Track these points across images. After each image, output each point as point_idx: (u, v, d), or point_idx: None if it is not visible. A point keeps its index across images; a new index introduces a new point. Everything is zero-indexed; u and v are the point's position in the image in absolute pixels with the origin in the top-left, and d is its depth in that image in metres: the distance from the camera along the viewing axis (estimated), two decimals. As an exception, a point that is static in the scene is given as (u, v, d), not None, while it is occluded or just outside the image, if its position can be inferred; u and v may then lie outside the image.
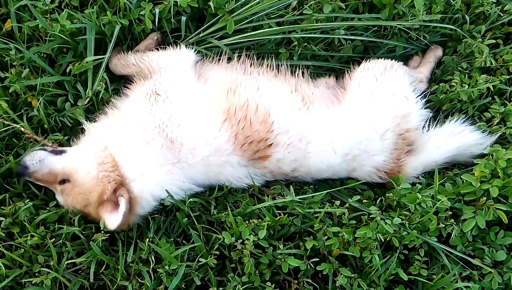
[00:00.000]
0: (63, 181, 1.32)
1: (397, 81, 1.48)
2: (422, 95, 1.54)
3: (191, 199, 1.35)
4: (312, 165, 1.40)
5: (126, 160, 1.34)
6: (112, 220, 1.27)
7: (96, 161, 1.33)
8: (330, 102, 1.47)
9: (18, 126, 1.40)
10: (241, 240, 1.29)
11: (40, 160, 1.32)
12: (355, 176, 1.47)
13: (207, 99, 1.39)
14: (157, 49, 1.55)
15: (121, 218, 1.26)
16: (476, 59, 1.64)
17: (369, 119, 1.40)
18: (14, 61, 1.50)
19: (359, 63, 1.59)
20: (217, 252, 1.31)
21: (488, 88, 1.58)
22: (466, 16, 1.72)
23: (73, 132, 1.50)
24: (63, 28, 1.51)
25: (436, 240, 1.32)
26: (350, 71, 1.57)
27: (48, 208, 1.35)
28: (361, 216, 1.36)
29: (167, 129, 1.35)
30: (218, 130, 1.35)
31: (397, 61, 1.59)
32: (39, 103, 1.44)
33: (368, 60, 1.56)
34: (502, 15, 1.74)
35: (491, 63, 1.62)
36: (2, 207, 1.33)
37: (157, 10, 1.54)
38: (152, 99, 1.39)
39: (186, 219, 1.35)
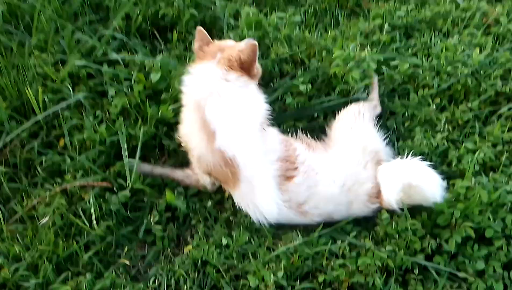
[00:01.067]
0: None
1: (366, 124, 2.05)
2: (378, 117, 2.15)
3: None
4: (320, 193, 1.79)
5: None
6: None
7: None
8: (324, 148, 1.99)
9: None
10: (263, 283, 1.64)
11: None
12: (354, 211, 1.85)
13: None
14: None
15: None
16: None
17: (352, 157, 1.89)
18: (69, 167, 2.02)
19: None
20: (245, 296, 1.65)
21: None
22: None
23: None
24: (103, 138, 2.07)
25: (423, 258, 1.66)
26: (330, 123, 2.14)
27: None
28: (359, 249, 1.72)
29: None
30: None
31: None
32: (90, 197, 1.91)
33: (339, 112, 2.14)
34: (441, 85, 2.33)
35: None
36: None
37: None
38: None
39: (215, 272, 1.71)
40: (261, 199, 1.77)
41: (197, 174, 1.95)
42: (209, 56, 1.92)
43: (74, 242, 1.79)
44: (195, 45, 2.04)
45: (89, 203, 1.88)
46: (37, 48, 2.45)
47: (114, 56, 2.42)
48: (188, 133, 1.88)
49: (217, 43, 2.05)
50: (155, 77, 2.19)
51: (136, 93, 2.20)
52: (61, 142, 2.16)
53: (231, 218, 1.93)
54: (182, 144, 1.98)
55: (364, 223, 1.87)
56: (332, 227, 1.83)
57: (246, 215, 1.88)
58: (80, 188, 1.95)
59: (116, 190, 1.96)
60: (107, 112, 2.20)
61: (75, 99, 2.20)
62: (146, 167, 2.05)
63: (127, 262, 1.79)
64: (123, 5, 2.63)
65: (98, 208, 1.87)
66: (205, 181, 1.95)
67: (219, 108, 1.79)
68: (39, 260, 1.73)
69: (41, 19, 2.50)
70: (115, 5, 2.67)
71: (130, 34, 2.62)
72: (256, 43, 1.87)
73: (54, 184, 1.96)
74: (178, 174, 2.03)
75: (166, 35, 2.71)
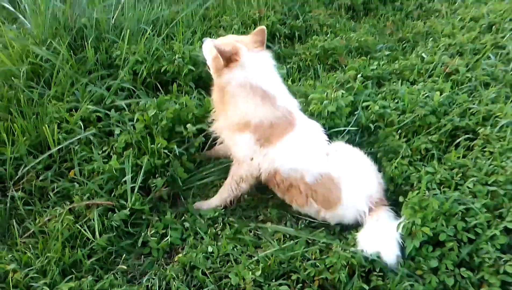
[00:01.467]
0: None
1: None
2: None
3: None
4: None
5: None
6: None
7: None
8: None
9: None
10: (244, 281, 1.89)
11: None
12: None
13: None
14: None
15: None
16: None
17: None
18: (78, 191, 2.36)
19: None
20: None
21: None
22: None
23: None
24: (112, 167, 2.43)
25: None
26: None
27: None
28: (328, 252, 2.00)
29: None
30: None
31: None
32: (95, 215, 2.22)
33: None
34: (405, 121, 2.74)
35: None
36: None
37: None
38: None
39: (201, 274, 1.97)
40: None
41: (245, 165, 2.32)
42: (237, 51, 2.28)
43: (79, 250, 2.07)
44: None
45: (93, 220, 2.19)
46: (55, 98, 2.92)
47: (120, 103, 2.88)
48: (249, 109, 2.26)
49: (231, 39, 2.41)
50: (151, 112, 2.61)
51: (138, 131, 2.60)
52: (71, 173, 2.52)
53: (219, 232, 2.22)
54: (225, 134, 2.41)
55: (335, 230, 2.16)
56: (307, 235, 2.12)
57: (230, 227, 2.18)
58: (86, 207, 2.27)
59: (117, 210, 2.28)
60: (113, 147, 2.58)
61: (84, 136, 2.61)
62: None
63: (125, 267, 2.06)
64: (131, 62, 3.15)
65: (101, 224, 2.18)
66: (252, 170, 2.32)
67: (268, 77, 2.33)
68: (48, 265, 2.01)
69: (59, 76, 3.00)
70: (123, 63, 3.19)
71: (136, 86, 3.10)
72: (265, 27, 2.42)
73: (64, 205, 2.29)
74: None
75: (167, 87, 3.19)
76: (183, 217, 2.35)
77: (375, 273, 1.92)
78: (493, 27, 3.73)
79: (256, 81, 2.26)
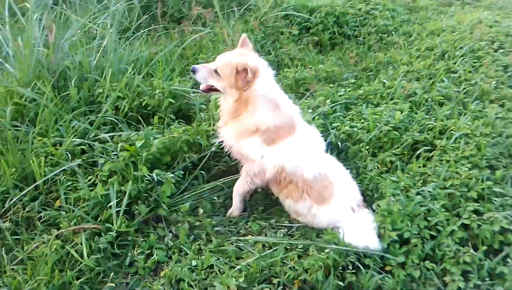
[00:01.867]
0: None
1: None
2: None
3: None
4: None
5: None
6: None
7: None
8: None
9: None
10: (228, 288, 2.03)
11: None
12: None
13: None
14: None
15: None
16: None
17: None
18: (65, 218, 2.47)
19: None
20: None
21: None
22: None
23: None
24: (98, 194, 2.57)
25: (356, 259, 2.10)
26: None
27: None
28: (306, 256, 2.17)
29: None
30: None
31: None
32: (82, 238, 2.34)
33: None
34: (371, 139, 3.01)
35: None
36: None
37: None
38: None
39: (187, 286, 2.10)
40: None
41: (257, 162, 2.59)
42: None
43: (68, 271, 2.17)
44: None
45: (81, 244, 2.31)
46: (40, 135, 3.08)
47: (104, 135, 3.05)
48: (263, 116, 2.55)
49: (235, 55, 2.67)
50: (138, 143, 2.79)
51: (121, 159, 2.77)
52: (57, 203, 2.64)
53: (202, 247, 2.36)
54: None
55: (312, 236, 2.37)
56: (284, 241, 2.30)
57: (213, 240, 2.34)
58: (73, 233, 2.38)
59: (103, 233, 2.40)
60: (97, 176, 2.73)
61: (70, 166, 2.76)
62: None
63: (113, 285, 2.17)
64: (113, 98, 3.35)
65: (88, 247, 2.30)
66: (263, 166, 2.60)
67: (275, 86, 2.68)
68: (37, 288, 2.10)
69: (44, 113, 3.17)
70: (105, 100, 3.39)
71: (119, 120, 3.29)
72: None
73: (52, 232, 2.39)
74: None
75: (148, 120, 3.39)
76: (165, 237, 2.48)
77: (349, 270, 2.10)
78: (446, 55, 4.13)
79: (271, 92, 2.60)
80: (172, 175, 2.70)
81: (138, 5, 4.84)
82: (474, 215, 2.25)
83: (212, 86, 2.67)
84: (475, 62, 3.89)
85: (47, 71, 3.57)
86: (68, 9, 4.43)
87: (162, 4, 5.05)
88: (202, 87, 2.75)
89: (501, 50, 4.03)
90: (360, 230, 2.30)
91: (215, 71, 2.60)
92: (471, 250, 2.12)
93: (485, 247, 2.16)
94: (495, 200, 2.34)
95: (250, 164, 2.64)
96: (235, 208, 2.75)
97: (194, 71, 2.68)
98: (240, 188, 2.73)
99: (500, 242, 2.17)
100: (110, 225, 2.43)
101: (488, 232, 2.16)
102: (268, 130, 2.54)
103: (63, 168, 2.74)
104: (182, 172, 2.81)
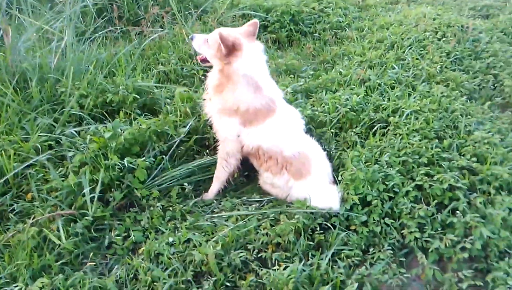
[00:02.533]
0: None
1: None
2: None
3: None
4: None
5: None
6: None
7: None
8: None
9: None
10: (206, 256, 2.19)
11: None
12: None
13: None
14: None
15: None
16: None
17: None
18: (39, 208, 2.54)
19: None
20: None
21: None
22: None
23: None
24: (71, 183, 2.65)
25: (323, 220, 2.34)
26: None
27: None
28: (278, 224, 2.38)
29: None
30: None
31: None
32: (59, 223, 2.42)
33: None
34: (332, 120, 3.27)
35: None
36: None
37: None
38: None
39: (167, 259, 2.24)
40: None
41: (229, 142, 2.76)
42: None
43: (47, 254, 2.25)
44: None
45: (57, 230, 2.39)
46: (4, 133, 3.11)
47: (70, 130, 3.13)
48: (242, 97, 2.66)
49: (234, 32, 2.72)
50: (107, 134, 2.90)
51: (91, 150, 2.86)
52: (28, 196, 2.71)
53: (178, 225, 2.51)
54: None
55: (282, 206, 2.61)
56: (256, 212, 2.50)
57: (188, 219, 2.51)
58: (49, 220, 2.46)
59: (79, 220, 2.49)
60: (68, 168, 2.81)
61: (40, 158, 2.83)
62: None
63: (93, 264, 2.27)
64: (76, 96, 3.44)
65: (65, 232, 2.38)
66: (236, 145, 2.77)
67: (261, 69, 2.75)
68: (17, 272, 2.16)
69: (7, 113, 3.21)
70: (69, 98, 3.47)
71: (84, 117, 3.37)
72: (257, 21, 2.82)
73: (27, 220, 2.46)
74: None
75: (114, 116, 3.49)
76: (141, 221, 2.60)
77: (317, 231, 2.33)
78: (395, 45, 4.51)
79: (254, 73, 2.69)
80: (143, 160, 2.82)
81: (92, 7, 4.92)
82: (426, 177, 2.54)
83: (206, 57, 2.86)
84: (421, 50, 4.29)
85: (5, 73, 3.61)
86: (21, 14, 4.46)
87: (118, 8, 5.16)
88: (198, 56, 2.96)
89: (444, 39, 4.46)
90: (324, 195, 2.54)
91: (207, 40, 2.79)
92: (425, 206, 2.39)
93: (436, 202, 2.44)
94: (443, 164, 2.65)
95: (226, 143, 2.81)
96: (211, 193, 2.88)
97: (192, 38, 2.89)
98: (219, 174, 2.87)
99: (449, 198, 2.46)
100: (85, 211, 2.53)
101: (438, 190, 2.46)
102: (247, 112, 2.68)
103: (32, 160, 2.81)
104: (153, 159, 2.94)
